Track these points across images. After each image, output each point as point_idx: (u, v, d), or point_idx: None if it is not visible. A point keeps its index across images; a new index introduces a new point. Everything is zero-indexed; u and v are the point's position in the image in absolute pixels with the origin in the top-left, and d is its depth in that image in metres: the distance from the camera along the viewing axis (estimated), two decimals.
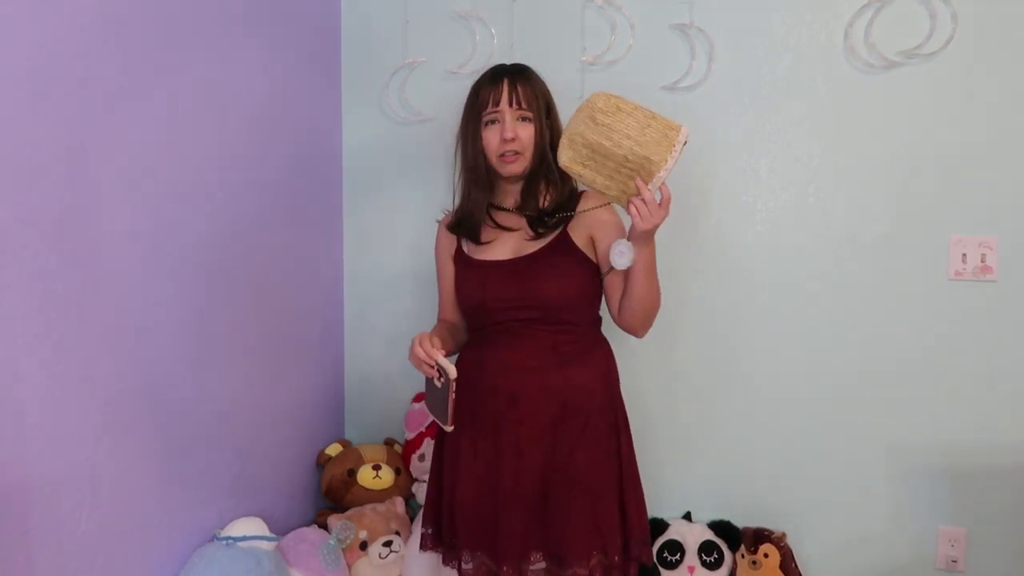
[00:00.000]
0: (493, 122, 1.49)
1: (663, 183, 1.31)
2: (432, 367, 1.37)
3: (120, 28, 1.37)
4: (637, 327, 1.51)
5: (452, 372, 1.34)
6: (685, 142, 1.30)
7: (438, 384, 1.38)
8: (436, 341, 1.40)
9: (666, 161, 1.29)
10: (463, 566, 1.49)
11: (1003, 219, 1.78)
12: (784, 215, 1.92)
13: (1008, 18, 1.75)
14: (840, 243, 1.89)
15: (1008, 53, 1.76)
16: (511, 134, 1.46)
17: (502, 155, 1.49)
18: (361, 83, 2.20)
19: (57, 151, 1.24)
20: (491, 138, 1.49)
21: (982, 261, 1.79)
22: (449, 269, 1.63)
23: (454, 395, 1.35)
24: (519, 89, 1.48)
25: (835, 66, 1.86)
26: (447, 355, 1.57)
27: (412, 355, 1.40)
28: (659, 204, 1.32)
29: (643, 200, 1.30)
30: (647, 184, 1.31)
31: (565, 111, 1.99)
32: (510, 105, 1.47)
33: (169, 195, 1.51)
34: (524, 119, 1.49)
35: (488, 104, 1.48)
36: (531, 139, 1.49)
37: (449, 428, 1.39)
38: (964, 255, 1.81)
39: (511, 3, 2.04)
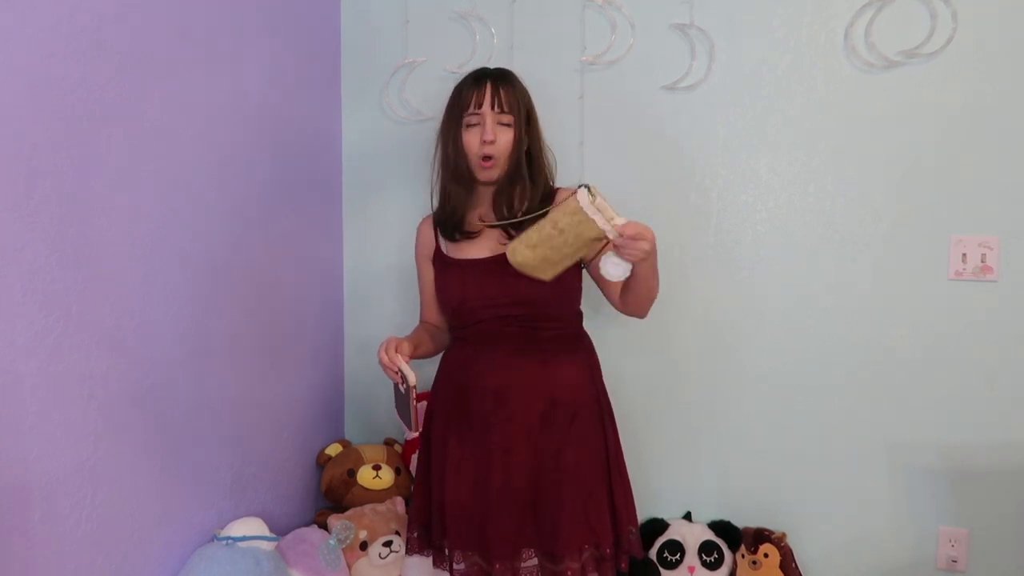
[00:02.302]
0: (474, 124, 1.49)
1: (619, 225, 1.26)
2: (396, 372, 1.39)
3: (119, 28, 1.37)
4: (643, 312, 1.55)
5: (412, 379, 1.36)
6: (592, 195, 1.25)
7: (402, 389, 1.41)
8: (404, 347, 1.43)
9: (595, 225, 1.26)
10: (455, 567, 1.49)
11: (1003, 219, 1.78)
12: (784, 215, 1.92)
13: (1008, 17, 1.75)
14: (840, 243, 1.89)
15: (1008, 52, 1.76)
16: (491, 136, 1.47)
17: (482, 156, 1.49)
18: (361, 83, 2.20)
19: (57, 151, 1.24)
20: (471, 140, 1.50)
21: (982, 261, 1.79)
22: (428, 271, 1.64)
23: (416, 400, 1.38)
24: (501, 93, 1.48)
25: (835, 66, 1.86)
26: (424, 357, 1.60)
27: (379, 360, 1.42)
28: (633, 238, 1.26)
29: (619, 247, 1.28)
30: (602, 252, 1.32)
31: (564, 111, 2.00)
32: (492, 108, 1.48)
33: (168, 195, 1.51)
34: (504, 124, 1.49)
35: (470, 106, 1.49)
36: (508, 145, 1.49)
37: (414, 433, 1.40)
38: (964, 255, 1.80)
39: (511, 3, 2.04)
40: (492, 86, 1.48)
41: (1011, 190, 1.77)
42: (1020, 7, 1.74)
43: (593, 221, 1.25)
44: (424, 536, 1.59)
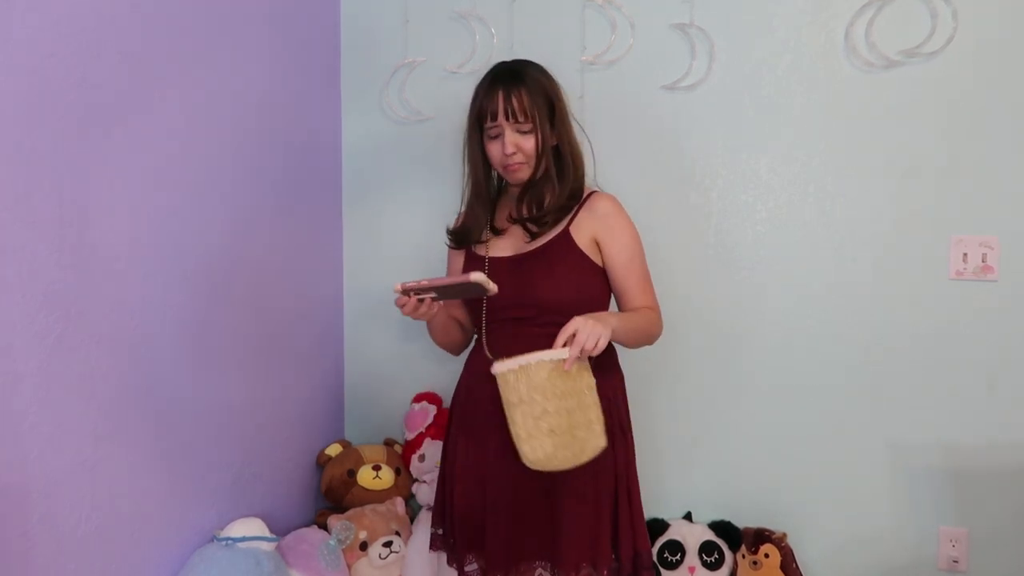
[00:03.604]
0: (495, 136, 1.47)
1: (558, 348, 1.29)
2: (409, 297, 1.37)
3: (119, 28, 1.37)
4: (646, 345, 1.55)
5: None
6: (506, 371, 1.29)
7: (430, 299, 1.37)
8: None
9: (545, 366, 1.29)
10: (466, 568, 1.49)
11: (1003, 219, 1.78)
12: (784, 215, 1.92)
13: (1009, 16, 1.75)
14: (840, 243, 1.89)
15: (1009, 52, 1.76)
16: (511, 149, 1.45)
17: (506, 166, 1.48)
18: (361, 83, 2.20)
19: (57, 152, 1.24)
20: (495, 151, 1.48)
21: (983, 261, 1.79)
22: (458, 263, 1.62)
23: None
24: (514, 101, 1.43)
25: (835, 66, 1.86)
26: (448, 341, 1.64)
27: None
28: (576, 340, 1.28)
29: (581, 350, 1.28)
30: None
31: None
32: (507, 119, 1.44)
33: (168, 195, 1.51)
34: (524, 131, 1.45)
35: (487, 117, 1.46)
36: (532, 149, 1.46)
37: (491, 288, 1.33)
38: (964, 255, 1.80)
39: (511, 3, 2.04)
40: (504, 94, 1.43)
41: (1011, 190, 1.77)
42: (1020, 7, 1.74)
43: (540, 364, 1.27)
44: (444, 534, 1.60)
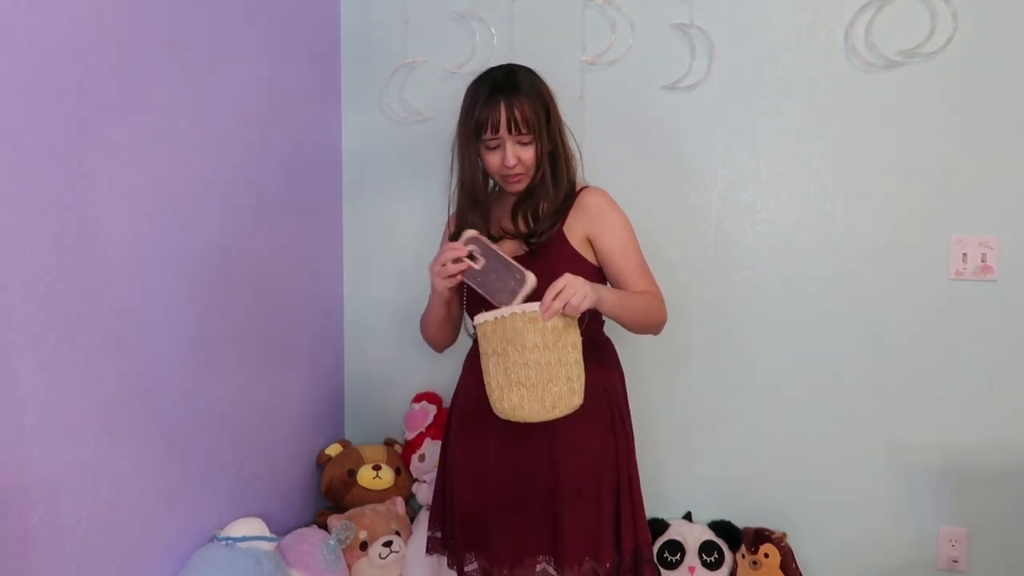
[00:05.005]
0: (494, 147, 1.45)
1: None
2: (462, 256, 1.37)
3: (119, 28, 1.37)
4: (650, 333, 1.54)
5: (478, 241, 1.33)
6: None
7: (476, 266, 1.36)
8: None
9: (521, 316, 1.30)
10: (466, 568, 1.49)
11: (1003, 219, 1.78)
12: (784, 215, 1.92)
13: (1009, 17, 1.75)
14: (840, 243, 1.89)
15: (1009, 52, 1.76)
16: (513, 161, 1.43)
17: (505, 176, 1.47)
18: (361, 83, 2.20)
19: (57, 152, 1.24)
20: (493, 161, 1.46)
21: (982, 261, 1.79)
22: None
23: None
24: (516, 113, 1.41)
25: (835, 66, 1.86)
26: (453, 326, 1.61)
27: (439, 264, 1.39)
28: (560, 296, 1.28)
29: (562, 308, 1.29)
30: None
31: (565, 111, 1.99)
32: (509, 131, 1.42)
33: (169, 195, 1.51)
34: (523, 142, 1.44)
35: (487, 129, 1.43)
36: (531, 160, 1.45)
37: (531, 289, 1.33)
38: (964, 255, 1.80)
39: (511, 3, 2.04)
40: (506, 105, 1.41)
41: (1011, 190, 1.77)
42: (1020, 7, 1.74)
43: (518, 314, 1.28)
44: (443, 536, 1.60)
